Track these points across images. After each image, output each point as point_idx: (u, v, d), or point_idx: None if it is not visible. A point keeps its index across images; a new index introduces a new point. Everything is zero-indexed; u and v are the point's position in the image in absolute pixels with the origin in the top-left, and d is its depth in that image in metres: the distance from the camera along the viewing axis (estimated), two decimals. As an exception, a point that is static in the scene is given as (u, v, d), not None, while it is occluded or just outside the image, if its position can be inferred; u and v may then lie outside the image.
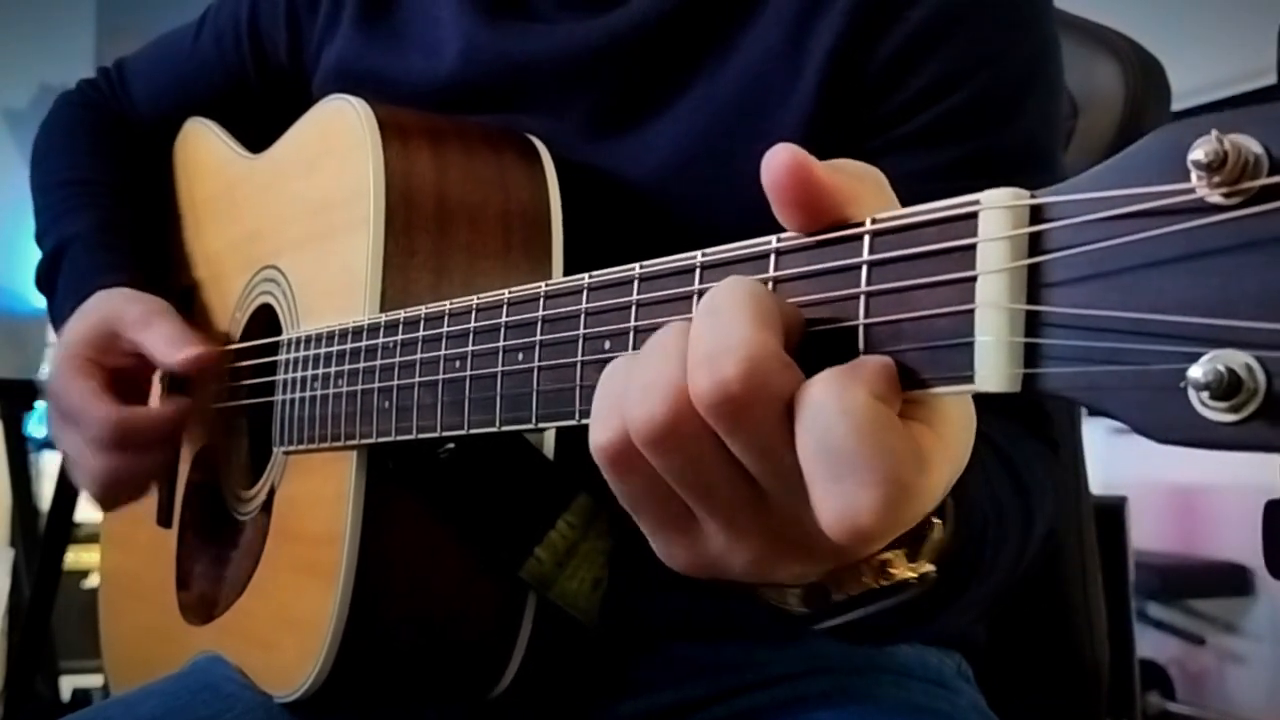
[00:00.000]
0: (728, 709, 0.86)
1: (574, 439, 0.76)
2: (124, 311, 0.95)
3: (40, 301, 1.11)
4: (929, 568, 0.52)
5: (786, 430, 0.43)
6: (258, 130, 1.05)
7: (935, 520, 0.53)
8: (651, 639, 0.89)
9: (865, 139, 0.81)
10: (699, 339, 0.44)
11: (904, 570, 0.51)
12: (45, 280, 1.10)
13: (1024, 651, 1.18)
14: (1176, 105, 1.19)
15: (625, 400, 0.46)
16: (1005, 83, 0.81)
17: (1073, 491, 1.20)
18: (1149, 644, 3.42)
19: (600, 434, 0.47)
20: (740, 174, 0.82)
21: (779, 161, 0.45)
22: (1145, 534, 3.07)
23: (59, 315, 1.03)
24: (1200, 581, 3.41)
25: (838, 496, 0.41)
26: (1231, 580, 3.38)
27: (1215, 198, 0.34)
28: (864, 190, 0.46)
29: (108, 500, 0.96)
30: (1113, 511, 1.65)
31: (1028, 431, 0.79)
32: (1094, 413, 0.37)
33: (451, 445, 0.75)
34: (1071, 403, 0.39)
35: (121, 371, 0.95)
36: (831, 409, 0.41)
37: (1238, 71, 3.35)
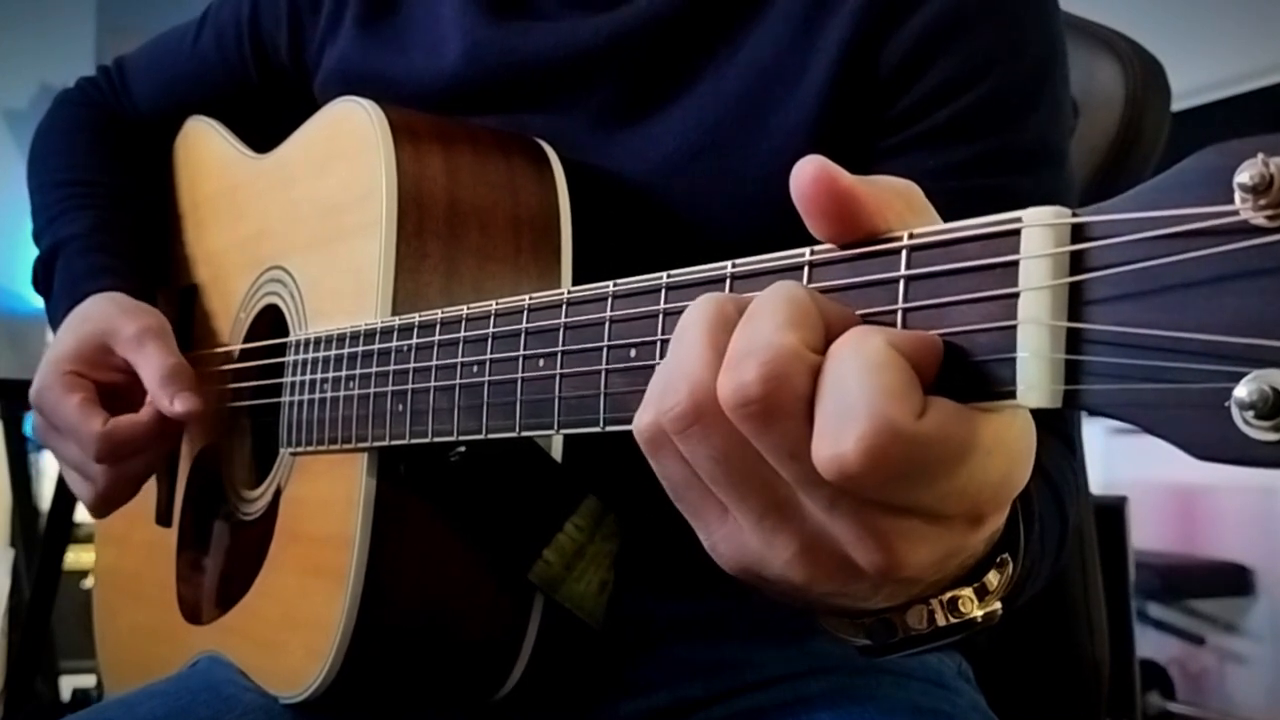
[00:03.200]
0: (727, 709, 0.86)
1: (583, 442, 0.76)
2: (118, 327, 0.94)
3: (40, 301, 1.11)
4: (996, 605, 0.52)
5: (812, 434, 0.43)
6: (259, 130, 1.05)
7: (1007, 557, 0.53)
8: (653, 640, 0.89)
9: (878, 137, 0.82)
10: (733, 343, 0.44)
11: (974, 609, 0.51)
12: (41, 281, 1.10)
13: (1024, 651, 1.18)
14: (1176, 105, 1.19)
15: (661, 384, 0.46)
16: (1017, 81, 0.81)
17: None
18: (1149, 644, 3.43)
19: (639, 418, 0.48)
20: (746, 169, 0.82)
21: (805, 173, 0.45)
22: (1145, 534, 3.08)
23: (54, 317, 1.03)
24: (1200, 581, 3.42)
25: (830, 433, 0.41)
26: (1231, 580, 3.39)
27: (1259, 220, 0.34)
28: (896, 201, 0.46)
29: (107, 505, 0.96)
30: (1113, 511, 1.66)
31: (1049, 432, 0.79)
32: (1136, 427, 0.37)
33: (463, 449, 0.75)
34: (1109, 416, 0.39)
35: (110, 384, 0.95)
36: (846, 353, 0.42)
37: (1238, 71, 3.36)
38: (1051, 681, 1.21)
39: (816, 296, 0.45)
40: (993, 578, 0.52)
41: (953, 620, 0.51)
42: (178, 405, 0.89)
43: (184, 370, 0.92)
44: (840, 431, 0.41)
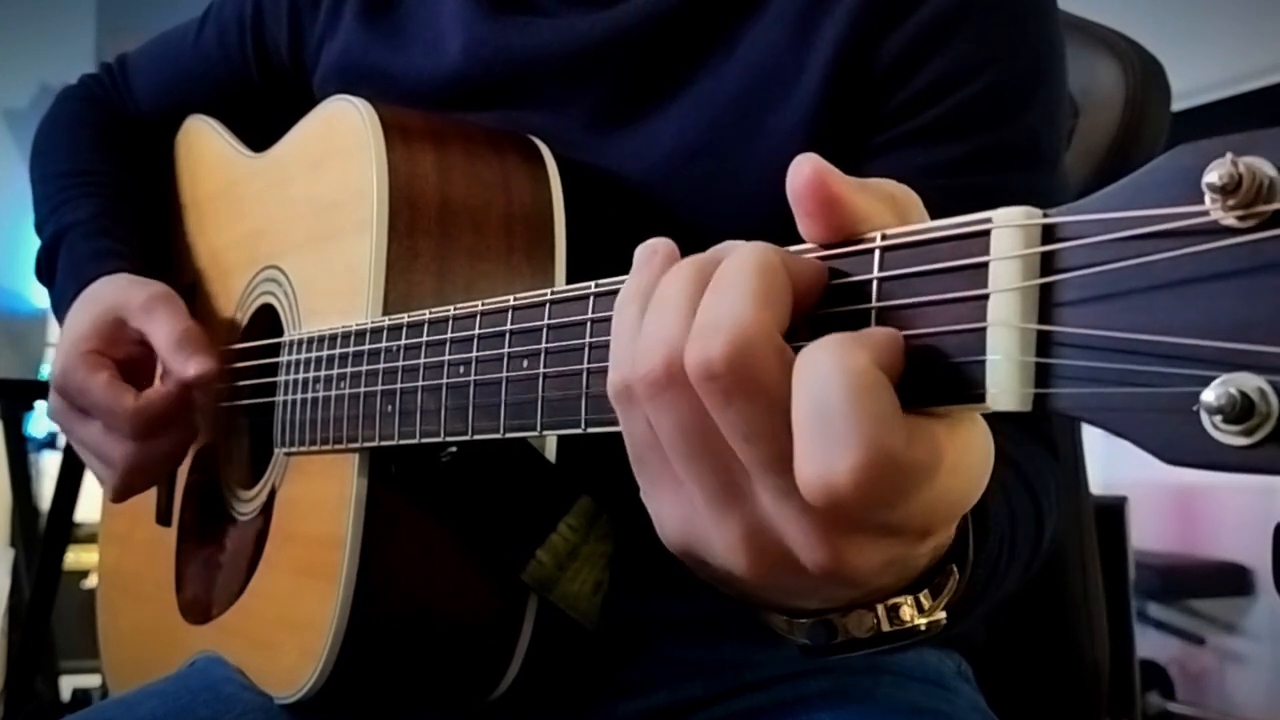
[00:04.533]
0: (726, 710, 0.86)
1: (576, 442, 0.76)
2: (128, 299, 0.94)
3: (40, 301, 1.11)
4: (940, 615, 0.52)
5: (773, 421, 0.42)
6: (259, 128, 1.05)
7: (953, 568, 0.52)
8: (650, 640, 0.89)
9: (870, 135, 0.81)
10: (703, 309, 0.44)
11: (915, 618, 0.51)
12: (44, 270, 1.10)
13: (1024, 651, 1.18)
14: (1176, 105, 1.19)
15: (636, 348, 0.46)
16: (1011, 80, 0.81)
17: (1072, 491, 1.20)
18: (1149, 644, 3.43)
19: (612, 377, 0.48)
20: (743, 169, 0.82)
21: (801, 172, 0.45)
22: (1145, 534, 3.08)
23: (59, 302, 1.03)
24: (1200, 581, 3.42)
25: (819, 456, 0.41)
26: (1231, 580, 3.39)
27: (1229, 220, 0.34)
28: (884, 208, 0.46)
29: (127, 488, 0.95)
30: (1113, 511, 1.65)
31: (1030, 435, 0.79)
32: (1107, 431, 0.37)
33: (454, 449, 0.74)
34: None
35: (129, 359, 0.95)
36: (830, 366, 0.41)
37: (1238, 71, 3.35)
38: (1051, 681, 1.21)
39: (787, 259, 0.45)
40: (939, 586, 0.52)
41: (894, 627, 0.51)
42: (191, 369, 0.89)
43: (194, 333, 0.91)
44: (831, 456, 0.40)
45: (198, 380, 0.89)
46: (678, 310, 0.45)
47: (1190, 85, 3.03)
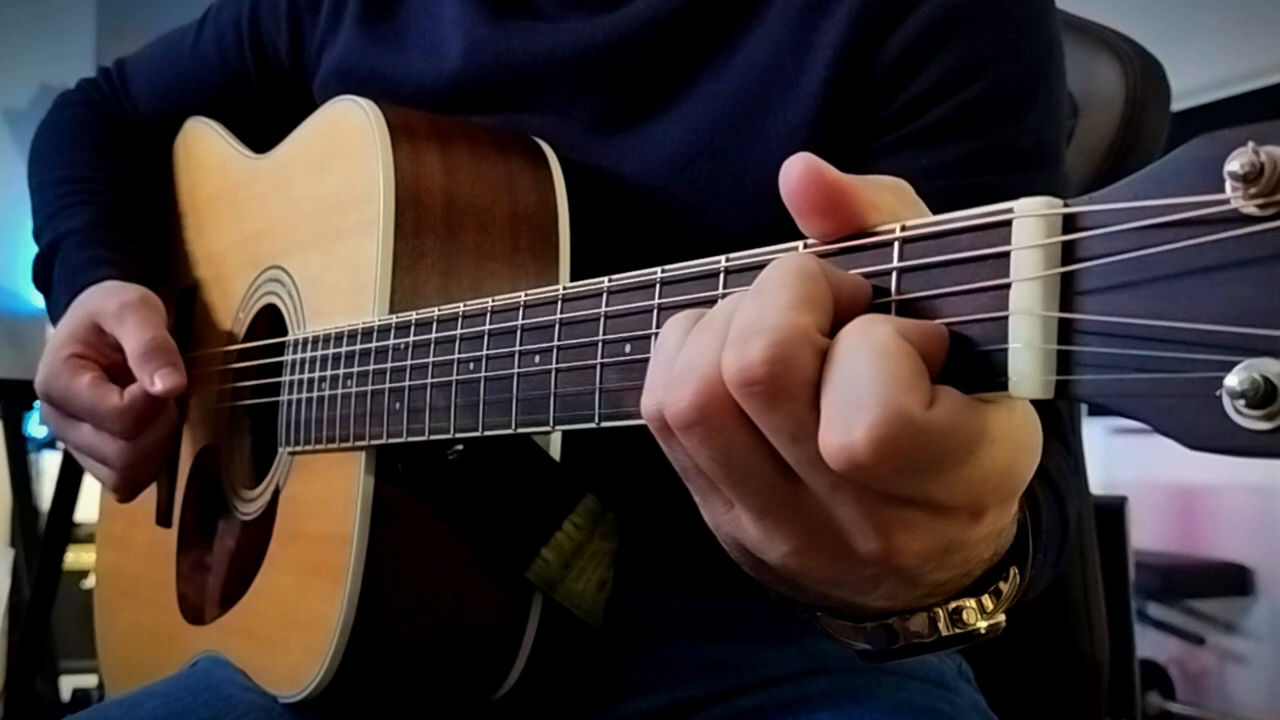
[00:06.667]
0: (727, 709, 0.86)
1: (581, 440, 0.76)
2: (103, 306, 0.94)
3: (40, 300, 1.11)
4: (1000, 618, 0.52)
5: (818, 417, 0.42)
6: (258, 131, 1.05)
7: (1014, 570, 0.53)
8: (652, 639, 0.89)
9: (873, 137, 0.81)
10: (738, 318, 0.44)
11: (977, 620, 0.51)
12: (40, 277, 1.10)
13: (1024, 651, 1.18)
14: (1176, 105, 1.19)
15: (669, 375, 0.46)
16: (1012, 80, 0.81)
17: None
18: (1149, 644, 3.43)
19: (645, 401, 0.48)
20: (744, 171, 0.82)
21: (794, 171, 0.45)
22: (1145, 534, 3.08)
23: (55, 312, 1.03)
24: (1200, 581, 3.42)
25: (839, 421, 0.41)
26: (1231, 580, 3.40)
27: (1250, 209, 0.34)
28: (886, 197, 0.46)
29: (131, 485, 0.95)
30: (1113, 511, 1.65)
31: (1048, 431, 0.79)
32: (1128, 418, 0.37)
33: (460, 447, 0.75)
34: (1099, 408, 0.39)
35: (112, 366, 0.95)
36: (856, 341, 0.42)
37: (1238, 71, 3.36)
38: (1051, 681, 1.21)
39: (827, 268, 0.45)
40: (1000, 588, 0.52)
41: (956, 631, 0.51)
42: (158, 384, 0.89)
43: (161, 345, 0.91)
44: (849, 421, 0.40)
45: (164, 395, 0.89)
46: (714, 335, 0.45)
47: (1190, 85, 3.04)
